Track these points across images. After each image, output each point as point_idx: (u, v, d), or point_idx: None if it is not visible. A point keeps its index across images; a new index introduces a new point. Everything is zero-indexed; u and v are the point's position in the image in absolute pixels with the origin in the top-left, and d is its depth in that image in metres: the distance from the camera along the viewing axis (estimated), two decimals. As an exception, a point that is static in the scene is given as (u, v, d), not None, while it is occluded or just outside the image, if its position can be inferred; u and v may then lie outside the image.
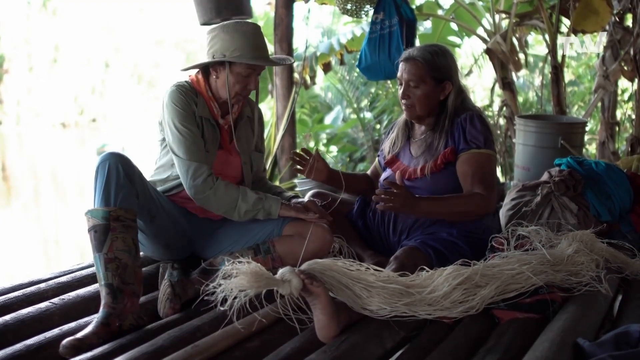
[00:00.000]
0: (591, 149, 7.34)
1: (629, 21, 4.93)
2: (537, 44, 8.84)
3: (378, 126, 8.38)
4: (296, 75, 5.62)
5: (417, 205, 2.19)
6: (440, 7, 5.87)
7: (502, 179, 5.40)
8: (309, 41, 5.86)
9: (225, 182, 2.22)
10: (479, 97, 9.74)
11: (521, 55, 5.32)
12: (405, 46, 3.76)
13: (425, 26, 6.23)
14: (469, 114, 2.33)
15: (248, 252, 2.19)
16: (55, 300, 2.02)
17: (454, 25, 5.85)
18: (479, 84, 9.76)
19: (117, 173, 1.98)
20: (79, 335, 1.75)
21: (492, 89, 6.19)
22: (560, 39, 4.75)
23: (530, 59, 7.96)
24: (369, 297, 1.80)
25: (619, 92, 6.16)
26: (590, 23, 4.50)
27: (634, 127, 4.66)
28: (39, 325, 1.87)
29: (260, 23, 7.73)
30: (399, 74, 2.40)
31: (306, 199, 2.41)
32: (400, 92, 2.39)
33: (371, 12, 4.04)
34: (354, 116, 8.69)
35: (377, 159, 2.72)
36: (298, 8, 5.25)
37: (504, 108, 5.43)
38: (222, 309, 1.70)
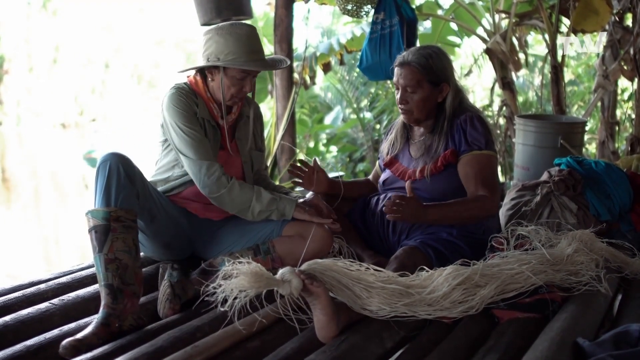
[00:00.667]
0: (591, 148, 7.34)
1: (628, 21, 4.93)
2: (536, 43, 8.85)
3: (378, 126, 8.38)
4: (296, 75, 5.62)
5: (425, 214, 2.18)
6: (440, 7, 5.87)
7: (502, 179, 5.40)
8: (309, 41, 5.87)
9: (240, 181, 2.23)
10: (479, 96, 9.74)
11: (521, 55, 5.32)
12: (406, 46, 3.76)
13: (425, 26, 6.23)
14: (469, 115, 2.33)
15: (248, 252, 2.19)
16: (55, 300, 2.02)
17: (453, 25, 5.86)
18: (479, 83, 9.77)
19: (118, 173, 1.97)
20: (79, 335, 1.75)
21: (492, 89, 6.19)
22: (560, 39, 4.75)
23: (530, 59, 7.96)
24: (368, 297, 1.80)
25: (619, 91, 6.16)
26: (590, 23, 4.49)
27: (634, 127, 4.66)
28: (39, 325, 1.87)
29: (260, 23, 7.74)
30: (394, 79, 2.39)
31: (308, 196, 2.40)
32: (397, 97, 2.39)
33: (371, 12, 4.04)
34: (353, 116, 8.69)
35: (377, 161, 2.71)
36: (298, 8, 5.24)
37: (504, 108, 5.43)
38: (222, 309, 1.70)
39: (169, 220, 2.25)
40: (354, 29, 6.06)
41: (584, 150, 4.32)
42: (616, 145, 5.23)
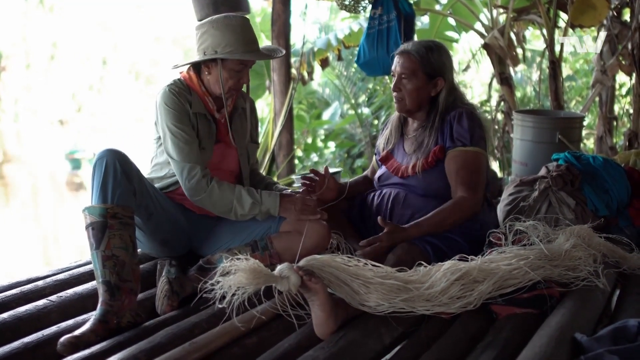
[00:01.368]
0: (589, 143, 7.34)
1: (626, 15, 4.93)
2: (534, 38, 8.85)
3: (376, 122, 8.38)
4: (294, 71, 5.62)
5: (406, 235, 2.18)
6: (437, 2, 5.86)
7: (499, 174, 5.40)
8: (307, 37, 5.85)
9: (220, 183, 2.21)
10: (477, 92, 9.74)
11: (519, 50, 5.32)
12: (404, 41, 3.76)
13: (422, 21, 6.22)
14: (458, 111, 2.33)
15: (246, 248, 2.19)
16: (53, 297, 2.02)
17: (451, 20, 5.85)
18: (477, 79, 9.76)
19: (115, 170, 1.97)
20: (77, 332, 1.75)
21: (490, 84, 6.19)
22: (560, 38, 4.75)
23: (528, 54, 7.97)
24: (367, 293, 1.80)
25: (617, 86, 6.17)
26: (587, 18, 4.50)
27: (632, 122, 4.66)
28: (36, 322, 1.87)
29: (258, 19, 7.73)
30: (393, 67, 2.41)
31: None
32: (392, 84, 2.40)
33: (369, 7, 4.03)
34: (351, 112, 8.69)
35: (374, 157, 2.71)
36: (295, 4, 5.24)
37: (502, 103, 5.43)
38: (220, 306, 1.70)
39: (167, 216, 2.25)
40: (351, 24, 6.05)
41: (581, 145, 4.33)
42: (614, 140, 5.23)
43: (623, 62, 4.72)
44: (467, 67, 6.64)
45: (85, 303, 2.03)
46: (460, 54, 8.96)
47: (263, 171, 5.06)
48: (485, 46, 5.08)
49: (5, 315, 1.87)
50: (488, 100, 6.90)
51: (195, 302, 1.98)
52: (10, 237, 7.37)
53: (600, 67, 4.79)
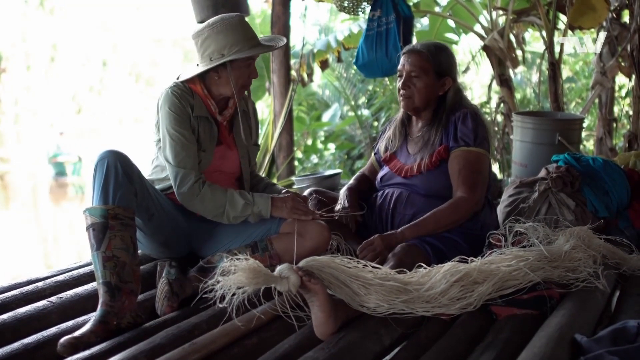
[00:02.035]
0: (589, 145, 7.35)
1: (626, 17, 4.93)
2: (534, 40, 8.86)
3: (375, 123, 8.38)
4: (293, 72, 5.62)
5: (402, 237, 2.20)
6: (437, 4, 5.86)
7: (499, 176, 5.40)
8: (306, 39, 5.86)
9: (213, 187, 2.21)
10: (477, 94, 9.75)
11: (518, 52, 5.32)
12: (403, 43, 3.76)
13: (422, 23, 6.23)
14: (463, 112, 2.34)
15: (246, 249, 2.19)
16: (53, 298, 2.02)
17: (451, 22, 5.85)
18: (477, 80, 9.77)
19: (116, 171, 1.97)
20: (77, 333, 1.75)
21: (490, 86, 6.19)
22: (560, 39, 4.75)
23: (528, 56, 7.97)
24: (366, 294, 1.80)
25: (617, 88, 6.17)
26: (587, 19, 4.50)
27: (632, 123, 4.66)
28: (36, 323, 1.87)
29: (258, 21, 7.75)
30: (400, 66, 2.41)
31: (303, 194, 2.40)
32: (399, 83, 2.40)
33: (368, 9, 4.04)
34: (351, 113, 8.69)
35: (372, 155, 2.71)
36: (295, 5, 5.24)
37: (502, 105, 5.43)
38: (220, 306, 1.70)
39: (167, 218, 2.25)
40: (351, 26, 6.06)
41: (581, 147, 4.33)
42: (614, 142, 5.23)
43: (622, 64, 4.72)
44: (467, 68, 6.64)
45: (85, 304, 2.03)
46: (460, 55, 8.97)
47: (263, 173, 5.07)
48: (485, 48, 5.08)
49: (5, 316, 1.87)
50: (488, 101, 6.91)
51: (195, 303, 1.98)
52: (10, 239, 7.37)
53: (600, 69, 4.79)
